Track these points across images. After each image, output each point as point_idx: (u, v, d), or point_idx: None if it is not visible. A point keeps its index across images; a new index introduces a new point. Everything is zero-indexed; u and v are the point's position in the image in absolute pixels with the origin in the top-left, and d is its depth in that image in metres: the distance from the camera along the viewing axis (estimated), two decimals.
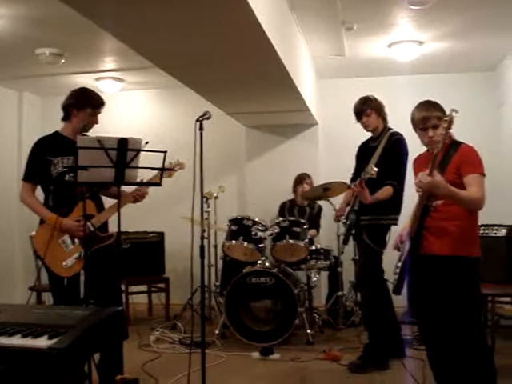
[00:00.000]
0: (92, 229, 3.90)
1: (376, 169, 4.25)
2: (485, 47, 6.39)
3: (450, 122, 3.06)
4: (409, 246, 3.51)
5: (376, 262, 4.71)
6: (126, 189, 4.05)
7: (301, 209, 6.84)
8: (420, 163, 3.64)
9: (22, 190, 4.01)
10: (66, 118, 4.09)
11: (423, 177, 3.15)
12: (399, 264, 3.60)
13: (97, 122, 4.12)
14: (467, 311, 3.37)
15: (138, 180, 3.95)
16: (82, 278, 3.96)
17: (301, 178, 6.86)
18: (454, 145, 3.41)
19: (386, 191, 4.55)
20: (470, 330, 3.36)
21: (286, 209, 6.90)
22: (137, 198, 4.11)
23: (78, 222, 3.83)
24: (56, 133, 4.11)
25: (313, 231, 6.62)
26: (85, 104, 4.03)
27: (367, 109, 4.80)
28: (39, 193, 4.06)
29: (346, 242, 4.97)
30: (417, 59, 6.57)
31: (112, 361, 3.99)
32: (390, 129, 4.83)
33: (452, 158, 3.36)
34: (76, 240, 3.90)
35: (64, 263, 3.85)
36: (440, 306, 3.41)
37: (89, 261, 3.76)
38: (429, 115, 3.42)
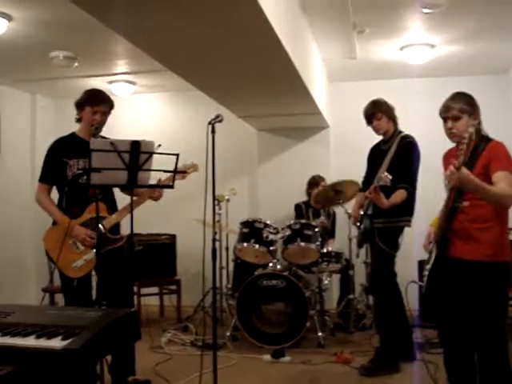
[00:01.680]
0: (103, 231, 3.93)
1: (390, 176, 4.22)
2: (496, 50, 6.37)
3: (470, 140, 3.00)
4: (436, 250, 3.47)
5: (388, 264, 4.70)
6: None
7: (315, 211, 6.84)
8: (449, 158, 3.52)
9: (38, 191, 4.08)
10: (79, 120, 4.16)
11: (451, 172, 3.07)
12: (428, 267, 3.54)
13: (103, 122, 4.11)
14: (493, 316, 3.32)
15: (154, 181, 4.01)
16: (95, 279, 4.01)
17: (316, 181, 6.85)
18: (483, 141, 3.33)
19: (400, 195, 4.53)
20: (494, 334, 3.33)
21: (302, 210, 6.90)
22: (154, 197, 4.16)
23: (89, 231, 3.87)
24: (72, 134, 4.16)
25: (331, 241, 6.64)
26: (84, 103, 4.10)
27: (377, 112, 4.78)
28: (54, 194, 4.11)
29: (360, 245, 4.97)
30: (428, 62, 6.56)
31: (124, 362, 4.02)
32: (400, 132, 4.82)
33: (480, 156, 3.28)
34: None
35: (74, 264, 3.90)
36: (467, 310, 3.36)
37: (100, 262, 3.79)
38: (451, 105, 3.37)
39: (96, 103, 4.09)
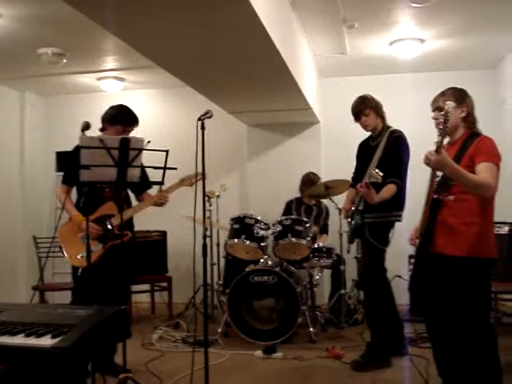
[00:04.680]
0: (110, 227, 4.23)
1: (381, 173, 4.22)
2: (486, 45, 6.39)
3: (446, 115, 3.11)
4: (419, 243, 3.50)
5: (379, 260, 4.70)
6: (151, 192, 4.55)
7: (308, 207, 6.83)
8: None
9: (59, 191, 4.42)
10: (102, 130, 4.40)
11: (430, 153, 3.15)
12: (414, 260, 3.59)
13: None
14: (476, 311, 3.34)
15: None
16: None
17: (311, 179, 6.78)
18: (472, 136, 3.38)
19: (390, 190, 4.51)
20: (479, 329, 3.34)
21: (293, 207, 6.89)
22: (158, 202, 4.43)
23: (95, 225, 4.17)
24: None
25: (324, 237, 6.64)
26: (116, 120, 4.32)
27: (365, 108, 4.75)
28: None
29: (351, 241, 4.96)
30: (418, 57, 6.57)
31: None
32: (389, 127, 4.80)
33: (468, 150, 3.32)
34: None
35: (79, 255, 4.13)
36: (449, 304, 3.38)
37: (106, 257, 4.18)
38: (438, 97, 3.49)
39: (129, 124, 4.36)
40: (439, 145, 3.12)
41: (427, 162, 3.19)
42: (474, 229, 3.31)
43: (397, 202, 4.63)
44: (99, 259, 4.19)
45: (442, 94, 3.50)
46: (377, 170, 4.24)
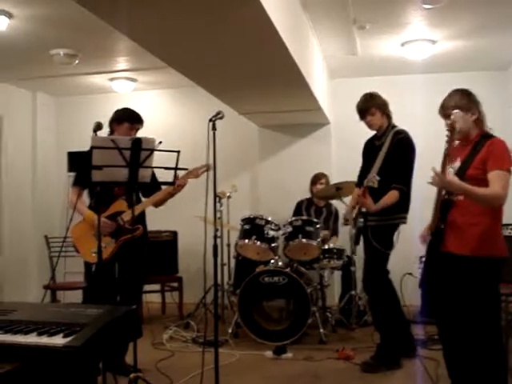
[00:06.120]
0: (121, 222, 4.35)
1: (378, 177, 4.17)
2: (497, 46, 6.36)
3: (452, 128, 3.12)
4: (429, 242, 3.51)
5: (382, 263, 4.65)
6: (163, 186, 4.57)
7: (318, 208, 6.83)
8: (451, 155, 3.61)
9: (71, 194, 4.50)
10: (111, 133, 4.50)
11: (437, 174, 3.15)
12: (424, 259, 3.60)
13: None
14: (485, 311, 3.34)
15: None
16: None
17: (316, 178, 6.85)
18: (484, 138, 3.37)
19: (391, 197, 4.47)
20: (487, 330, 3.34)
21: (303, 207, 6.89)
22: (177, 188, 4.47)
23: (108, 221, 4.29)
24: None
25: (334, 238, 6.63)
26: (123, 119, 4.45)
27: (372, 107, 4.68)
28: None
29: (356, 242, 4.92)
30: (429, 58, 6.55)
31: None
32: (394, 126, 4.73)
33: (479, 153, 3.31)
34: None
35: (92, 251, 4.18)
36: (458, 304, 3.39)
37: (120, 256, 4.35)
38: (446, 103, 3.46)
39: (135, 121, 4.49)
40: (445, 155, 3.13)
41: (434, 182, 3.21)
42: (481, 228, 3.32)
43: (401, 205, 4.56)
44: (112, 255, 4.28)
45: (449, 98, 3.49)
46: (374, 175, 4.22)
